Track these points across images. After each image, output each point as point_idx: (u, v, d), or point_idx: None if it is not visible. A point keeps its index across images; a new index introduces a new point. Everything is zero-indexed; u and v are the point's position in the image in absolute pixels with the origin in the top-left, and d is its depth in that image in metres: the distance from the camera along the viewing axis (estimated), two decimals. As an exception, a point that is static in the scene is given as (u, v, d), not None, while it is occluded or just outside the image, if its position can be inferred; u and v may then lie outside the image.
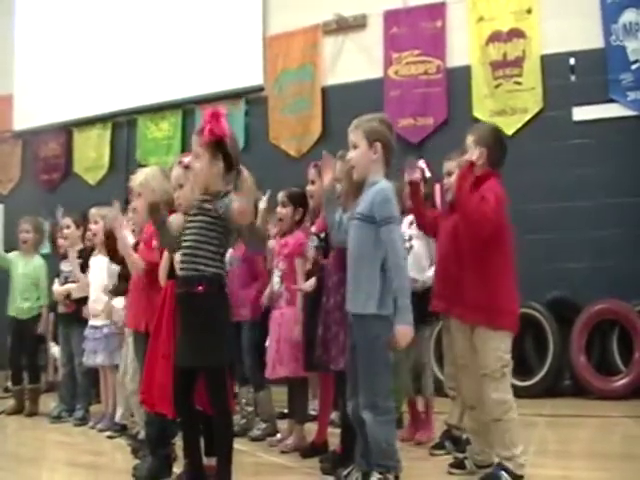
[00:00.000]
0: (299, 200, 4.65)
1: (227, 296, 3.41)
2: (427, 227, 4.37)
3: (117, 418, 5.28)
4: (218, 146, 3.33)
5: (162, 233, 3.60)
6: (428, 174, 4.62)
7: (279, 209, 4.71)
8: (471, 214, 3.51)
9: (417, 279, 4.49)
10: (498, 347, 3.51)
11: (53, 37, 10.07)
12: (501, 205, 3.54)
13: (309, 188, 4.48)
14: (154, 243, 3.93)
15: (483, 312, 3.54)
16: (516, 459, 3.46)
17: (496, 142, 3.70)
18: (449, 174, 4.24)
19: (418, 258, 4.66)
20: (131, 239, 4.31)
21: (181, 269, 3.35)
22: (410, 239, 4.67)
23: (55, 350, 6.71)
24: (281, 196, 4.70)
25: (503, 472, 3.44)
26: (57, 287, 6.07)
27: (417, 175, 4.14)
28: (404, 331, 3.26)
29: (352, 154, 3.49)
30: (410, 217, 4.69)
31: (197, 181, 3.41)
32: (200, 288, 3.25)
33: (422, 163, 4.54)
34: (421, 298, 4.36)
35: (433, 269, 4.44)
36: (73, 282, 5.93)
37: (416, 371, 4.79)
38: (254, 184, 3.57)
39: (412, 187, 4.17)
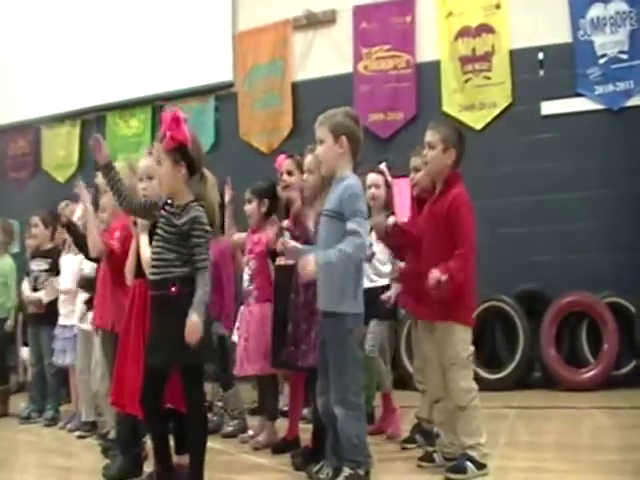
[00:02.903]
0: (264, 192, 4.63)
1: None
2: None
3: (83, 417, 5.24)
4: (180, 152, 3.32)
5: (116, 190, 3.58)
6: (389, 178, 4.63)
7: (246, 206, 4.69)
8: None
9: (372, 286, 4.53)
10: (464, 338, 3.63)
11: (20, 35, 9.94)
12: (474, 222, 3.65)
13: (286, 179, 4.36)
14: (116, 234, 3.94)
15: (446, 308, 3.60)
16: (480, 448, 3.54)
17: (462, 143, 3.79)
18: (416, 170, 4.27)
19: (377, 264, 4.68)
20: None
21: (152, 273, 3.34)
22: (370, 245, 4.64)
23: (24, 351, 6.64)
24: (246, 193, 4.68)
25: (468, 462, 3.51)
26: (27, 292, 5.98)
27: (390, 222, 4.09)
28: (307, 261, 3.27)
29: (319, 150, 3.51)
30: (370, 222, 4.67)
31: (162, 186, 3.41)
32: (173, 289, 3.24)
33: (384, 166, 4.55)
34: (377, 295, 4.41)
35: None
36: (43, 282, 5.87)
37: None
38: (216, 187, 3.58)
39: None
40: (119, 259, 3.94)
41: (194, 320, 3.13)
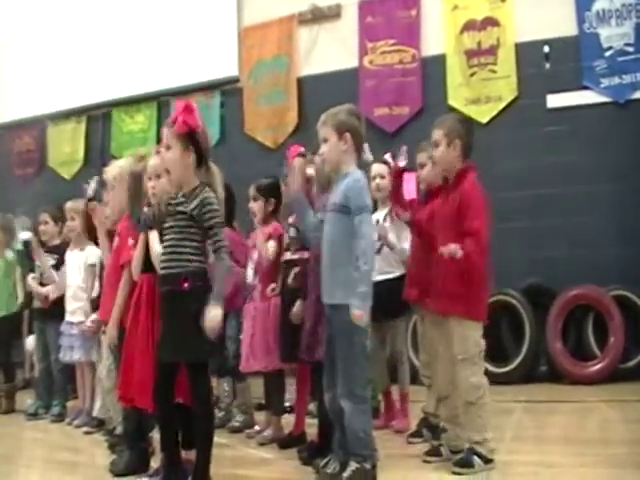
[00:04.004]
0: (270, 191, 4.61)
1: (210, 290, 3.39)
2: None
3: (95, 412, 5.25)
4: (190, 138, 3.32)
5: None
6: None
7: (250, 204, 4.68)
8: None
9: (384, 278, 4.52)
10: (475, 333, 3.61)
11: (26, 31, 9.96)
12: (487, 211, 3.61)
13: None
14: (130, 241, 3.90)
15: (460, 303, 3.58)
16: (487, 443, 3.54)
17: (467, 132, 3.76)
18: (421, 166, 4.26)
19: (385, 256, 4.66)
20: None
21: (163, 268, 3.34)
22: (379, 238, 4.65)
23: (30, 342, 6.65)
24: (251, 190, 4.66)
25: (475, 456, 3.51)
26: (34, 286, 5.99)
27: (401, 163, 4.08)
28: (360, 315, 3.28)
29: (323, 148, 3.51)
30: (378, 215, 4.68)
31: (170, 172, 3.39)
32: (185, 285, 3.24)
33: (388, 157, 4.55)
34: (393, 290, 4.40)
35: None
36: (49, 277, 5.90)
37: (392, 362, 4.81)
38: (222, 179, 3.58)
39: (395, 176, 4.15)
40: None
41: (215, 313, 3.15)
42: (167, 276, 3.32)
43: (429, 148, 4.14)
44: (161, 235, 3.51)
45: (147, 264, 3.67)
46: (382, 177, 4.69)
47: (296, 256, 4.22)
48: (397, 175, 4.15)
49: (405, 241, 4.58)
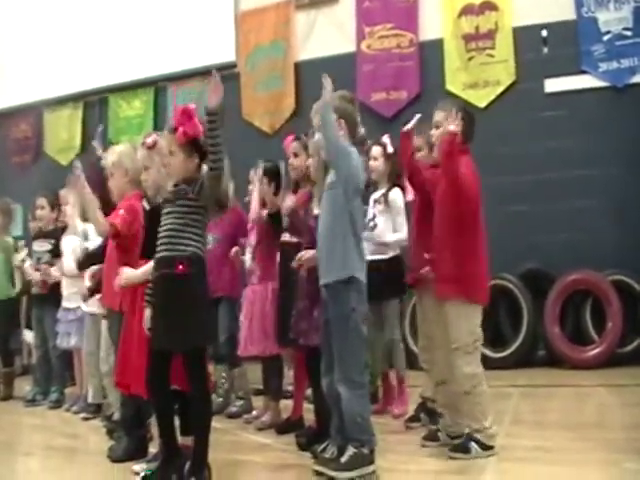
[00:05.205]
0: (272, 175, 4.60)
1: (206, 276, 3.38)
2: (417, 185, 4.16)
3: (89, 399, 5.26)
4: (193, 144, 3.32)
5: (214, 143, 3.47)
6: (390, 150, 4.60)
7: (251, 186, 4.66)
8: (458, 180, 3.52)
9: (378, 258, 4.51)
10: (471, 321, 3.59)
11: (21, 16, 9.90)
12: (477, 182, 3.60)
13: (292, 161, 4.38)
14: (120, 212, 3.89)
15: (458, 285, 3.57)
16: (486, 430, 3.54)
17: (470, 118, 3.75)
18: (418, 150, 4.24)
19: (380, 236, 4.65)
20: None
21: (160, 251, 3.32)
22: (374, 217, 4.63)
23: (28, 334, 6.64)
24: (258, 172, 4.64)
25: (473, 443, 3.52)
26: (31, 272, 5.98)
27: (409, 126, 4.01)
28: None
29: (318, 136, 3.51)
30: (374, 195, 4.65)
31: (173, 175, 3.39)
32: (181, 267, 3.22)
33: (386, 138, 4.53)
34: (387, 271, 4.39)
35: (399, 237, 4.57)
36: (46, 263, 5.88)
37: (387, 345, 4.78)
38: (229, 169, 3.57)
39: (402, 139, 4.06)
40: (125, 238, 3.90)
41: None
42: (163, 259, 3.30)
43: (428, 132, 4.11)
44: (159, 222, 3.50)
45: (144, 250, 3.65)
46: (375, 159, 4.67)
47: (293, 239, 4.20)
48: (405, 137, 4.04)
49: (401, 227, 4.58)
